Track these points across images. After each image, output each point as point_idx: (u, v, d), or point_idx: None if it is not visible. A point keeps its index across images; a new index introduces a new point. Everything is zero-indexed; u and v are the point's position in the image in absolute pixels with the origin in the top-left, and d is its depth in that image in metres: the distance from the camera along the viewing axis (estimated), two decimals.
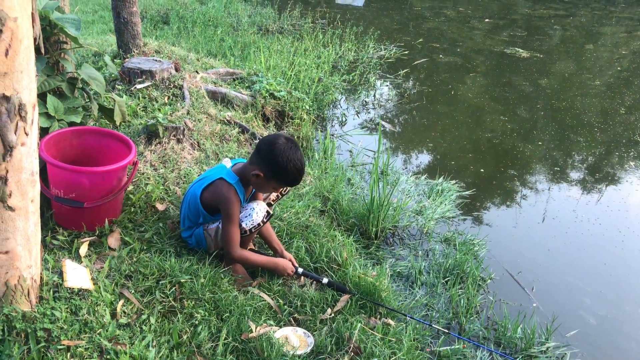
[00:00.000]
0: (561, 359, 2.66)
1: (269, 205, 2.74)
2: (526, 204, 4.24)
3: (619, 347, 2.81)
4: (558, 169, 4.92)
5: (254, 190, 2.59)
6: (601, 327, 2.92)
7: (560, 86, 7.12)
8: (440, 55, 7.90)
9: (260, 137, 4.04)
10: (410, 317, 2.60)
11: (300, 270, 2.61)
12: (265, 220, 2.46)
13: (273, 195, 2.71)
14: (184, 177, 3.12)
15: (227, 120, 4.05)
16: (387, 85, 6.65)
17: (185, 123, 3.59)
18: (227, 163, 2.52)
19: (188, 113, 3.78)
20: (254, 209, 2.44)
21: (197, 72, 4.57)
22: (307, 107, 4.78)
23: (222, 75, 4.83)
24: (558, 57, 8.30)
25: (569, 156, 5.24)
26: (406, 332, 2.44)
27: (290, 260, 2.64)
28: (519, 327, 2.74)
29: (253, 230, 2.46)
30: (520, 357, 2.61)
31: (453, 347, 2.57)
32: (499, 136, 5.39)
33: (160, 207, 2.77)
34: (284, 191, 2.70)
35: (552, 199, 4.34)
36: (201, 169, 3.27)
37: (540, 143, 5.36)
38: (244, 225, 2.43)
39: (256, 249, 2.77)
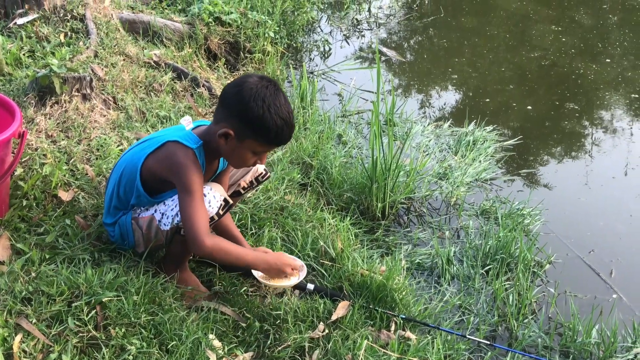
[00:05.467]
0: None
1: (237, 194, 2.72)
2: (596, 151, 4.25)
3: None
4: (637, 95, 4.93)
5: (221, 166, 2.55)
6: None
7: None
8: None
9: (206, 83, 4.00)
10: (436, 328, 2.62)
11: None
12: (222, 212, 2.43)
13: (246, 178, 2.70)
14: (97, 149, 3.08)
15: (155, 61, 3.99)
16: None
17: (92, 71, 3.52)
18: (188, 123, 2.45)
19: (96, 56, 3.72)
20: (205, 195, 2.40)
21: None
22: (272, 35, 4.71)
23: None
24: None
25: None
26: (433, 348, 2.47)
27: None
28: (593, 329, 2.78)
29: None
30: None
31: None
32: (551, 55, 5.37)
33: (64, 196, 2.74)
34: (261, 177, 2.71)
35: (632, 142, 4.36)
36: (121, 135, 3.24)
37: (609, 61, 5.35)
38: None
39: None
